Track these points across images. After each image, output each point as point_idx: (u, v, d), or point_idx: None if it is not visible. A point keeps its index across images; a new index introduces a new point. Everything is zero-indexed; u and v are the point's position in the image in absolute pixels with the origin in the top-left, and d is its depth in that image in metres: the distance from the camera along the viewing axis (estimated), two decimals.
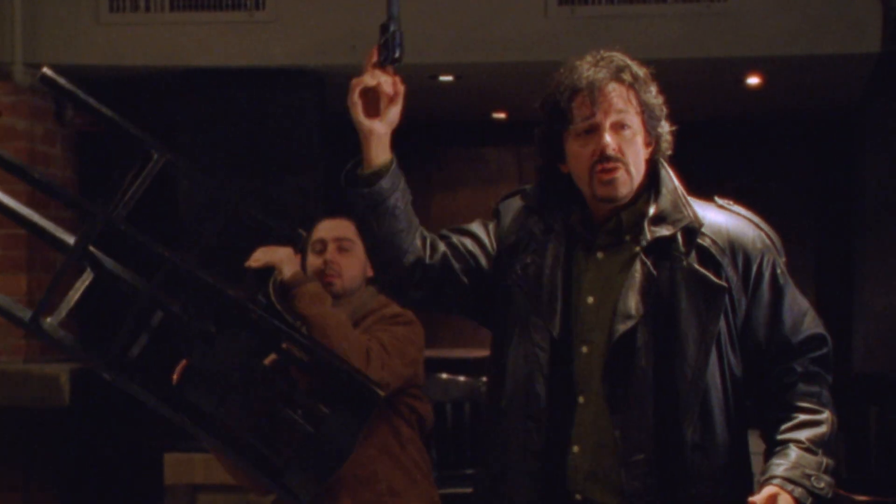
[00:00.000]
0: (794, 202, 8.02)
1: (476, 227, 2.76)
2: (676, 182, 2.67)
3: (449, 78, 6.57)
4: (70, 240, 2.76)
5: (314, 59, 6.17)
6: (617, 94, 2.61)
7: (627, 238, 2.63)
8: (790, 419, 2.60)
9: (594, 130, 2.60)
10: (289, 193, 6.27)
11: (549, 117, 2.67)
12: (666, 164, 2.68)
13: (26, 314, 2.64)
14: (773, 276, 2.63)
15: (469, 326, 8.31)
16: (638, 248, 2.60)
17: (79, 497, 6.24)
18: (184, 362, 3.06)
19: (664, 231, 2.60)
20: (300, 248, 3.09)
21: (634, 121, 2.61)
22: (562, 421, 2.60)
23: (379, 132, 2.60)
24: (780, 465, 2.54)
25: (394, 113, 2.58)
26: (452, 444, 6.57)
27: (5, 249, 6.19)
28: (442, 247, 2.70)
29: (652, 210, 2.62)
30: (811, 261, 8.03)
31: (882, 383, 6.18)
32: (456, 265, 2.69)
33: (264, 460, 3.02)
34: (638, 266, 2.58)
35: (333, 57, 6.14)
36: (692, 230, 2.60)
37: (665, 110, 2.68)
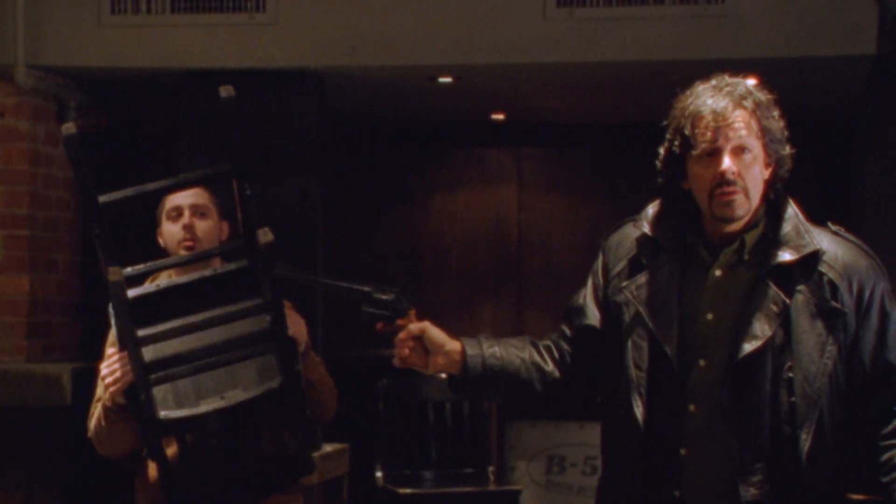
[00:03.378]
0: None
1: (584, 295, 2.97)
2: (796, 208, 2.83)
3: (448, 79, 6.59)
4: None
5: (314, 61, 6.19)
6: (740, 120, 2.77)
7: (747, 258, 2.79)
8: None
9: (716, 154, 2.76)
10: (289, 194, 6.29)
11: (672, 140, 2.84)
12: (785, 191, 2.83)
13: None
14: (882, 303, 2.79)
15: (469, 327, 8.33)
16: (759, 271, 2.77)
17: (80, 496, 6.26)
18: None
19: (787, 256, 2.75)
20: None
21: (755, 145, 2.77)
22: (668, 427, 2.77)
23: (436, 364, 2.91)
24: None
25: (432, 342, 2.90)
26: (452, 443, 6.60)
27: (8, 250, 6.22)
28: (563, 346, 2.96)
29: (776, 235, 2.78)
30: None
31: None
32: (583, 356, 2.94)
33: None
34: (764, 289, 2.75)
35: (333, 58, 6.16)
36: (814, 257, 2.76)
37: (787, 133, 2.83)
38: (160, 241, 3.78)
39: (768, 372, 2.72)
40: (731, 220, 2.76)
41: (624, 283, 2.86)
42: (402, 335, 2.88)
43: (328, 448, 6.15)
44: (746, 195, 2.75)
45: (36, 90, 6.26)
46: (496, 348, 2.93)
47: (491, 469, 6.62)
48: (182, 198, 3.74)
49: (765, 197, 2.80)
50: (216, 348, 3.13)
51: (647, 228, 2.87)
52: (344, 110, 7.34)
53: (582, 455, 7.18)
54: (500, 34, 6.08)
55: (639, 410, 2.77)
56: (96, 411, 3.56)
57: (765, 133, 2.78)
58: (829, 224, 2.87)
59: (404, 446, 6.52)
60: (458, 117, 8.04)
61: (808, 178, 8.15)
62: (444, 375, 2.99)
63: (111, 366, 3.32)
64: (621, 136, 8.25)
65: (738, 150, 2.76)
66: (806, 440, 2.70)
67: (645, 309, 2.80)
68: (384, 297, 2.91)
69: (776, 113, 2.83)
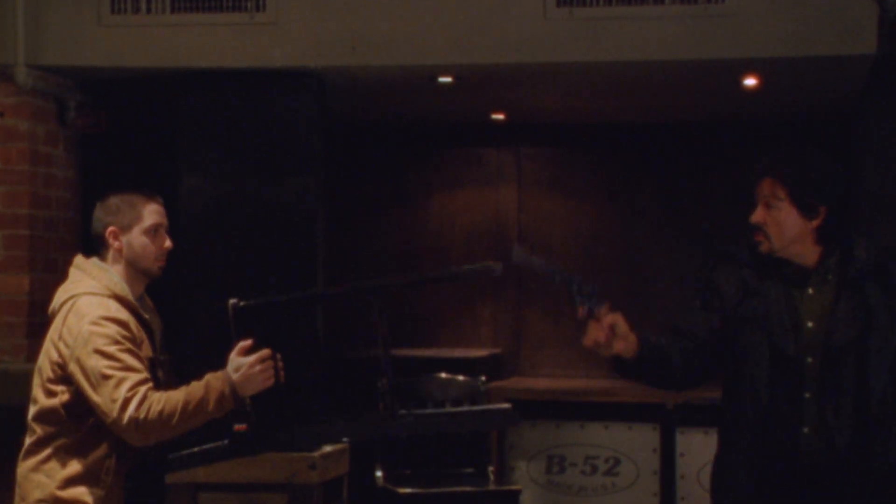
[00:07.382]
0: None
1: (699, 306, 3.83)
2: (866, 239, 3.71)
3: (448, 79, 6.60)
4: None
5: (314, 61, 6.20)
6: (767, 184, 3.69)
7: (830, 277, 3.71)
8: None
9: (754, 206, 3.73)
10: (289, 194, 6.30)
11: None
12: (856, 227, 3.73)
13: None
14: None
15: (469, 327, 8.34)
16: (840, 285, 3.68)
17: None
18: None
19: (858, 271, 3.66)
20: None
21: (781, 202, 3.68)
22: (789, 411, 3.67)
23: (619, 347, 3.65)
24: None
25: (621, 330, 3.63)
26: (452, 443, 6.60)
27: (7, 250, 6.22)
28: (689, 341, 3.78)
29: (851, 257, 3.68)
30: None
31: None
32: (710, 345, 3.79)
33: None
34: (846, 298, 3.67)
35: (333, 58, 6.17)
36: (881, 268, 3.66)
37: (834, 188, 3.72)
38: (113, 241, 3.90)
39: (853, 358, 3.64)
40: (768, 254, 3.70)
41: (743, 305, 3.71)
42: (604, 322, 3.59)
43: (328, 448, 6.15)
44: (767, 238, 3.68)
45: (36, 90, 6.27)
46: (655, 340, 3.72)
47: (491, 469, 6.63)
48: (160, 215, 3.92)
49: (818, 236, 3.68)
50: None
51: (751, 262, 3.74)
52: (344, 110, 7.35)
53: (582, 455, 7.18)
54: (500, 34, 6.09)
55: (763, 396, 3.65)
56: (171, 398, 3.69)
57: (791, 194, 3.65)
58: None
59: (404, 446, 6.52)
60: (458, 117, 8.05)
61: None
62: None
63: (268, 365, 3.71)
64: (621, 136, 8.26)
65: (766, 205, 3.68)
66: (876, 391, 3.60)
67: (765, 322, 3.67)
68: (589, 290, 3.62)
69: (815, 176, 3.70)
